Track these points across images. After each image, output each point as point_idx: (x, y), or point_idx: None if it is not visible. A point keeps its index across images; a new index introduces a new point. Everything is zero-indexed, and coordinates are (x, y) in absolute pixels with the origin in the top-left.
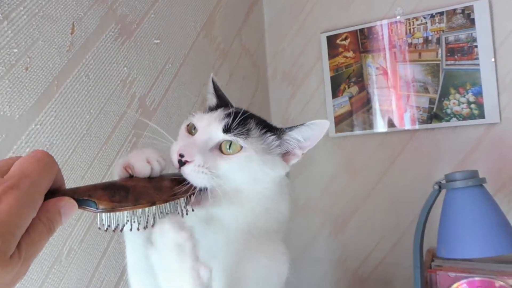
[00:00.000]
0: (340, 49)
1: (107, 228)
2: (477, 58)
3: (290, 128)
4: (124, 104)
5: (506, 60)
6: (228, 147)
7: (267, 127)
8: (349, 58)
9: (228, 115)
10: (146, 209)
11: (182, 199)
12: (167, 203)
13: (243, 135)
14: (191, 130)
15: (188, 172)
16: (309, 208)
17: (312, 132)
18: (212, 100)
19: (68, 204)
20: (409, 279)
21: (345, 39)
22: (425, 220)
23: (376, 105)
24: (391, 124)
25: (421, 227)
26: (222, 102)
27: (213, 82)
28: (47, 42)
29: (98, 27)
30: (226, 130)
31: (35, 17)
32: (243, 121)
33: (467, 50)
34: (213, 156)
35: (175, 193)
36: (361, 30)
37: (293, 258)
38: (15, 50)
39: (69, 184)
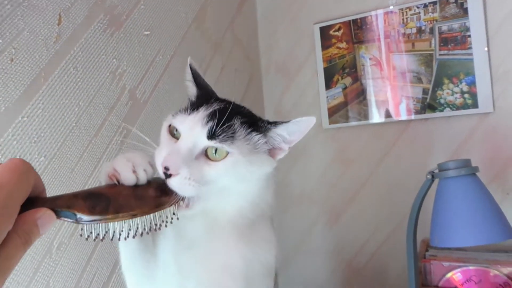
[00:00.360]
0: (333, 40)
1: (88, 237)
2: (470, 48)
3: (275, 125)
4: (114, 96)
5: (499, 50)
6: (214, 152)
7: (253, 124)
8: (343, 49)
9: (212, 115)
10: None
11: (167, 209)
12: (150, 215)
13: (229, 139)
14: (173, 131)
15: (175, 185)
16: (304, 199)
17: (299, 128)
18: (192, 89)
19: (46, 216)
20: (403, 269)
21: (338, 30)
22: (418, 210)
23: (369, 96)
24: (385, 114)
25: (415, 217)
26: (203, 90)
27: (190, 67)
28: (32, 33)
29: (86, 18)
30: (211, 136)
31: (20, 7)
32: (227, 121)
33: (460, 40)
34: (199, 164)
35: (159, 203)
36: (354, 21)
37: (289, 248)
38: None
39: (58, 178)
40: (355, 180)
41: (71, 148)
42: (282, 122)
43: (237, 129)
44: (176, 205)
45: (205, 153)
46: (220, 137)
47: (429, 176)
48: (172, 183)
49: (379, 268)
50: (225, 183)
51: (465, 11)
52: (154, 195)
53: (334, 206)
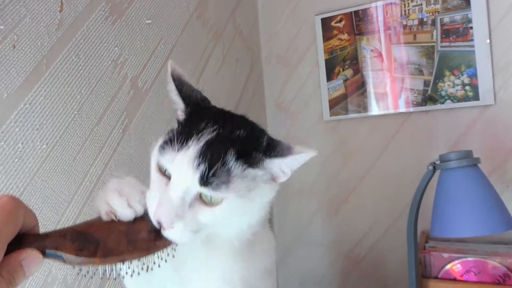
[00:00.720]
0: (335, 32)
1: (78, 272)
2: (472, 40)
3: (272, 157)
4: (116, 85)
5: (501, 41)
6: (209, 198)
7: (249, 158)
8: (344, 40)
9: (203, 154)
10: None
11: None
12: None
13: (223, 184)
14: (163, 169)
15: (170, 236)
16: (304, 191)
17: (297, 162)
18: (179, 103)
19: (31, 257)
20: (402, 261)
21: (340, 21)
22: (419, 201)
23: (370, 88)
24: (385, 107)
25: (415, 208)
26: (191, 104)
27: (173, 76)
28: (34, 19)
29: (88, 5)
30: (203, 182)
31: None
32: (220, 161)
33: (462, 32)
34: (194, 211)
35: (151, 247)
36: (356, 12)
37: (288, 241)
38: (1, 27)
39: (60, 166)
40: (355, 173)
41: (73, 136)
42: (280, 155)
43: (232, 168)
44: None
45: (199, 196)
46: (214, 183)
47: (431, 168)
48: (168, 235)
49: (378, 260)
50: (223, 223)
51: (467, 3)
52: (147, 238)
53: (334, 199)
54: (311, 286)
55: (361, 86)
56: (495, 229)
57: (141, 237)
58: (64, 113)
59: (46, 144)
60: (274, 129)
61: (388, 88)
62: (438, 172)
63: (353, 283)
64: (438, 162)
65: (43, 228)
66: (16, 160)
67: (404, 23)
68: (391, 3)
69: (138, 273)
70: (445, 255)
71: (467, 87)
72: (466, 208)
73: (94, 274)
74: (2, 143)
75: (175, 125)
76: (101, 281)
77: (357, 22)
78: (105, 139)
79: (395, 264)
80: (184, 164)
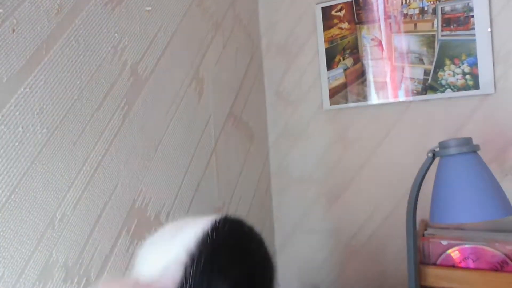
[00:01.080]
0: (335, 21)
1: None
2: (473, 29)
3: None
4: (116, 71)
5: (502, 30)
6: None
7: None
8: (344, 29)
9: None
10: None
11: None
12: None
13: None
14: None
15: None
16: (303, 180)
17: None
18: None
19: None
20: (401, 249)
21: (340, 10)
22: (419, 188)
23: (370, 77)
24: (385, 96)
25: (415, 195)
26: None
27: None
28: (34, 4)
29: None
30: None
31: None
32: None
33: (463, 20)
34: None
35: None
36: (356, 1)
37: (288, 228)
38: (1, 10)
39: (60, 151)
40: (355, 161)
41: (73, 122)
42: None
43: None
44: None
45: None
46: None
47: (430, 155)
48: None
49: (377, 248)
50: None
51: None
52: None
53: (333, 187)
54: (310, 273)
55: (361, 75)
56: (494, 215)
57: None
58: (64, 98)
59: (46, 129)
60: (274, 119)
61: (388, 77)
62: (437, 160)
63: (352, 270)
64: (437, 149)
65: (42, 212)
66: (17, 144)
67: (405, 12)
68: None
69: None
70: (444, 242)
71: (468, 76)
72: (465, 194)
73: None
74: (3, 127)
75: None
76: (102, 263)
77: (357, 11)
78: (105, 125)
79: (394, 252)
80: None
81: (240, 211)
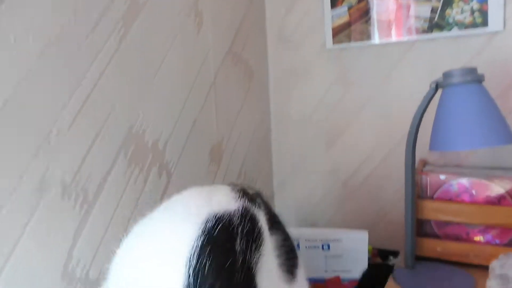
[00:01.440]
0: None
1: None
2: None
3: None
4: None
5: None
6: None
7: None
8: None
9: None
10: None
11: None
12: None
13: None
14: None
15: None
16: (303, 121)
17: None
18: None
19: None
20: (398, 189)
21: None
22: (420, 119)
23: (374, 15)
24: (389, 34)
25: (415, 126)
26: None
27: None
28: None
29: None
30: None
31: None
32: None
33: None
34: None
35: None
36: None
37: (286, 170)
38: None
39: (55, 67)
40: (355, 102)
41: (68, 39)
42: None
43: None
44: None
45: None
46: None
47: (433, 85)
48: None
49: (374, 188)
50: None
51: None
52: None
53: (333, 128)
54: (308, 212)
55: (365, 14)
56: (495, 142)
57: None
58: (57, 15)
59: (39, 42)
60: (275, 59)
61: (393, 16)
62: (439, 93)
63: (349, 209)
64: (441, 81)
65: (38, 126)
66: (7, 52)
67: None
68: None
69: None
70: (442, 176)
71: (476, 14)
72: (467, 121)
73: None
74: None
75: None
76: (99, 183)
77: None
78: (101, 46)
79: (392, 191)
80: None
81: (238, 150)
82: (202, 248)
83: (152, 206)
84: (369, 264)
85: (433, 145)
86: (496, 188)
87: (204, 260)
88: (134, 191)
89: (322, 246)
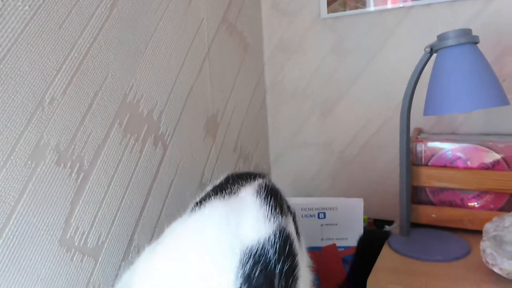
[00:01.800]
0: None
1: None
2: None
3: None
4: None
5: None
6: None
7: None
8: None
9: None
10: None
11: None
12: None
13: None
14: None
15: None
16: (297, 94)
17: None
18: None
19: None
20: (393, 159)
21: None
22: (415, 84)
23: None
24: (384, 1)
25: (410, 91)
26: None
27: None
28: None
29: None
30: None
31: None
32: None
33: None
34: None
35: None
36: None
37: (282, 143)
38: None
39: (45, 33)
40: (350, 72)
41: (57, 3)
42: None
43: None
44: None
45: None
46: None
47: (428, 49)
48: None
49: (368, 159)
50: None
51: None
52: None
53: (327, 100)
54: (303, 184)
55: None
56: (489, 103)
57: None
58: None
59: (28, 6)
60: (269, 31)
61: None
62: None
63: (345, 180)
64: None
65: (31, 92)
66: None
67: None
68: None
69: None
70: (436, 143)
71: None
72: (462, 83)
73: None
74: None
75: None
76: (95, 152)
77: None
78: (92, 11)
79: (387, 161)
80: None
81: (234, 123)
82: None
83: (148, 178)
84: (365, 231)
85: (427, 110)
86: (490, 154)
87: None
88: (130, 161)
89: (318, 214)
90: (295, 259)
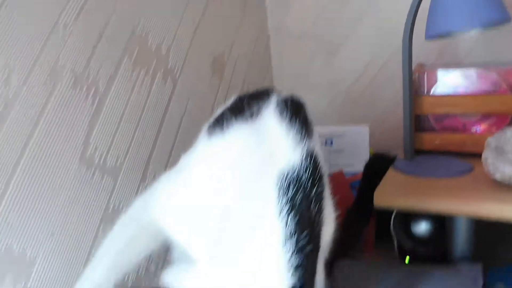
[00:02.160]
0: None
1: None
2: None
3: None
4: None
5: None
6: None
7: None
8: None
9: None
10: None
11: None
12: None
13: None
14: None
15: None
16: (302, 36)
17: None
18: None
19: None
20: (397, 92)
21: None
22: (417, 7)
23: None
24: None
25: (412, 15)
26: None
27: None
28: None
29: None
30: None
31: None
32: None
33: None
34: None
35: None
36: None
37: (288, 84)
38: None
39: None
40: (354, 12)
41: None
42: None
43: None
44: None
45: None
46: None
47: None
48: None
49: (373, 97)
50: None
51: None
52: None
53: (332, 41)
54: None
55: None
56: (492, 21)
57: None
58: None
59: None
60: None
61: None
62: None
63: (350, 117)
64: None
65: (44, 17)
66: None
67: None
68: None
69: None
70: (438, 71)
71: None
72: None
73: None
74: None
75: None
76: (108, 80)
77: None
78: None
79: (389, 99)
80: None
81: (239, 64)
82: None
83: (159, 111)
84: (370, 156)
85: (429, 32)
86: (491, 76)
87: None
88: (142, 93)
89: (326, 141)
90: (323, 181)
